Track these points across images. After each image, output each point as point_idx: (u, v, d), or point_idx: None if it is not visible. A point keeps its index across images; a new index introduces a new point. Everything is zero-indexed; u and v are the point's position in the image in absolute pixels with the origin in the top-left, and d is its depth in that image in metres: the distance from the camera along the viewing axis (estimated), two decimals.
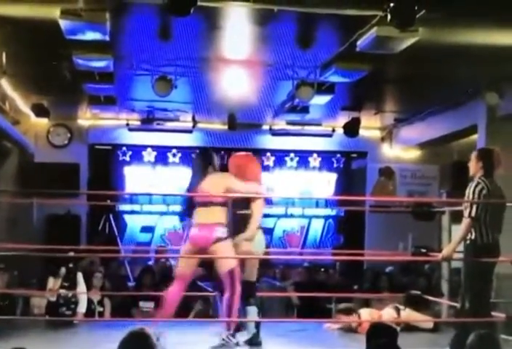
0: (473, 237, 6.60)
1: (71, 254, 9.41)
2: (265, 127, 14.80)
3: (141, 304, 10.62)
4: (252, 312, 7.42)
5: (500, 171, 6.85)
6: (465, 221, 6.62)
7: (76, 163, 14.30)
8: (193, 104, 12.97)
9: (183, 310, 10.49)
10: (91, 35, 7.69)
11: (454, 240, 6.79)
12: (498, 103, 10.54)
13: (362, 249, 13.68)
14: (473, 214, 6.56)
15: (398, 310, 8.94)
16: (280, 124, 14.57)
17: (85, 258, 11.47)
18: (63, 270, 9.81)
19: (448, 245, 7.11)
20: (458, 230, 6.76)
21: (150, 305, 10.60)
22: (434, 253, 8.38)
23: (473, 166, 6.86)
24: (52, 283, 9.90)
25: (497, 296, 8.99)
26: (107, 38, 7.84)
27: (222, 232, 7.28)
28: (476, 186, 6.64)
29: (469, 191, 6.67)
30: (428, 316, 9.13)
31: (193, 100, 12.64)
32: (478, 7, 7.11)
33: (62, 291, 9.67)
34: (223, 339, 7.19)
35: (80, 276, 9.88)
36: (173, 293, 7.40)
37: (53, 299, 9.67)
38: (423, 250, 10.38)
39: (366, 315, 8.95)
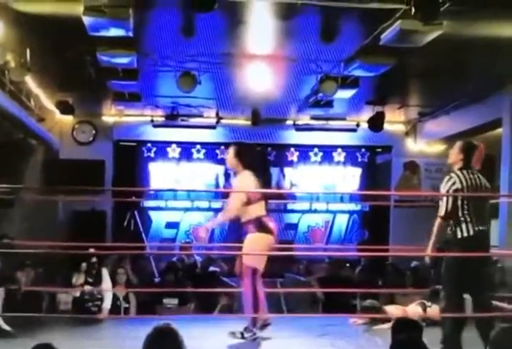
0: (451, 231, 6.58)
1: (92, 250, 9.45)
2: (289, 122, 14.77)
3: (165, 301, 10.63)
4: None
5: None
6: (437, 220, 6.61)
7: (101, 159, 14.35)
8: (216, 100, 12.97)
9: (208, 306, 10.57)
10: (114, 32, 7.71)
11: (431, 240, 6.75)
12: None
13: (387, 244, 13.65)
14: (443, 212, 6.53)
15: (424, 307, 8.89)
16: (304, 119, 14.55)
17: (111, 254, 11.50)
18: (84, 265, 9.86)
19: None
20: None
21: (174, 301, 10.62)
22: None
23: (453, 156, 6.82)
24: (75, 278, 9.95)
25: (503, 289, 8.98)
26: (130, 34, 7.86)
27: None
28: (448, 181, 6.60)
29: (442, 186, 6.64)
30: None
31: (217, 96, 12.63)
32: None
33: (87, 287, 9.71)
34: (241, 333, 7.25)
35: (105, 272, 9.92)
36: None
37: (77, 294, 9.72)
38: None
39: (392, 311, 8.91)
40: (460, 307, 6.69)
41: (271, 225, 7.43)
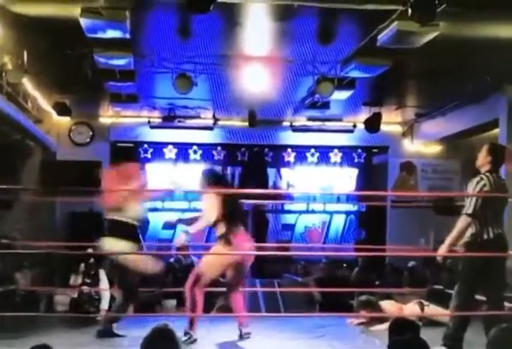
0: (473, 233, 6.60)
1: (90, 250, 9.47)
2: (286, 123, 14.79)
3: (164, 301, 10.65)
4: None
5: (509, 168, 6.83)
6: (462, 217, 6.61)
7: (98, 160, 14.33)
8: (213, 101, 12.98)
9: (205, 306, 10.57)
10: (111, 34, 7.73)
11: (451, 235, 6.74)
12: None
13: (384, 244, 13.68)
14: (471, 210, 6.53)
15: (422, 306, 8.89)
16: (300, 120, 14.56)
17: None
18: (82, 266, 9.87)
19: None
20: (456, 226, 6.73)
21: (173, 302, 10.63)
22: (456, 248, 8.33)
23: (482, 159, 6.83)
24: (73, 279, 9.97)
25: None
26: (127, 36, 7.88)
27: None
28: (478, 182, 6.60)
29: (471, 187, 6.65)
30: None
31: (214, 97, 12.64)
32: (498, 0, 7.08)
33: (85, 288, 9.73)
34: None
35: (102, 273, 9.93)
36: None
37: (74, 295, 9.74)
38: None
39: (388, 306, 8.92)
40: (474, 307, 6.74)
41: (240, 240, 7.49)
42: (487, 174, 6.67)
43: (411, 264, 12.78)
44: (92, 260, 10.03)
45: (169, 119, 13.94)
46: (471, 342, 6.58)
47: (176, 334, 4.37)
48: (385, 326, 8.20)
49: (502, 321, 5.62)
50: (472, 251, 6.59)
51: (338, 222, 15.46)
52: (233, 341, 7.39)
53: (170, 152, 15.05)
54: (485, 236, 6.56)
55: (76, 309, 9.76)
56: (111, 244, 7.57)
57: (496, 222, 6.63)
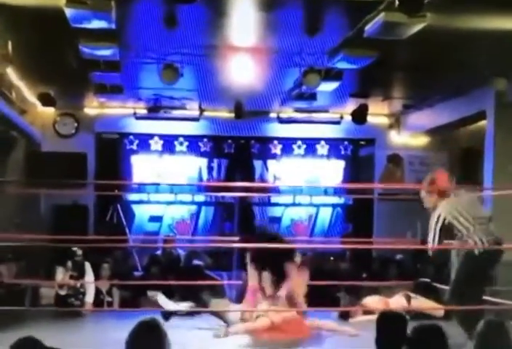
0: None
1: (75, 248, 9.46)
2: (273, 115, 14.75)
3: (149, 293, 10.59)
4: None
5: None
6: None
7: (83, 152, 14.28)
8: (199, 92, 12.90)
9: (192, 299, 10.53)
10: (96, 24, 7.63)
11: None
12: (507, 89, 10.48)
13: (371, 238, 13.66)
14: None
15: (409, 298, 8.88)
16: (287, 112, 14.52)
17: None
18: (70, 263, 9.82)
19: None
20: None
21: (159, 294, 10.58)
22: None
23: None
24: (62, 274, 9.90)
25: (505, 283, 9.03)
26: (113, 26, 7.79)
27: None
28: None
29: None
30: (438, 304, 9.06)
31: (200, 88, 12.56)
32: None
33: (70, 281, 9.67)
34: None
35: (88, 266, 9.87)
36: None
37: (63, 292, 9.70)
38: None
39: (372, 303, 8.91)
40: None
41: None
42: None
43: (398, 257, 12.78)
44: (79, 252, 9.96)
45: (155, 110, 13.85)
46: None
47: (162, 326, 4.33)
48: (368, 317, 8.25)
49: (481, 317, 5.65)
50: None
51: (325, 215, 15.42)
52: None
53: (156, 143, 14.97)
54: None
55: (60, 302, 9.70)
56: None
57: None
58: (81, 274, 9.84)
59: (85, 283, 9.79)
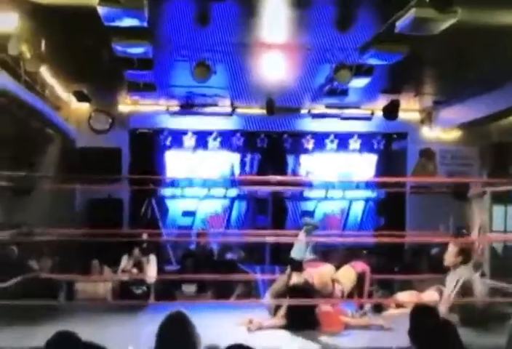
0: None
1: (145, 235, 9.63)
2: (304, 111, 14.76)
3: (184, 287, 10.71)
4: None
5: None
6: None
7: (118, 147, 14.40)
8: (231, 89, 12.96)
9: (225, 293, 10.65)
10: (129, 22, 7.71)
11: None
12: None
13: (403, 231, 13.64)
14: None
15: (441, 292, 8.88)
16: (319, 108, 14.52)
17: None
18: (137, 251, 9.96)
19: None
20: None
21: (193, 288, 10.70)
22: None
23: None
24: (126, 261, 10.07)
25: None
26: (145, 24, 7.86)
27: None
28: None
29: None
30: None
31: (232, 85, 12.61)
32: None
33: (134, 271, 9.87)
34: None
35: (153, 258, 10.08)
36: None
37: (125, 278, 9.88)
38: (464, 231, 10.35)
39: (405, 298, 8.94)
40: None
41: None
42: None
43: (434, 250, 12.75)
44: (145, 245, 10.13)
45: (187, 107, 13.96)
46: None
47: (190, 320, 4.40)
48: (398, 311, 8.31)
49: None
50: None
51: (357, 209, 15.45)
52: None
53: (189, 139, 15.06)
54: None
55: (122, 290, 9.87)
56: None
57: None
58: (142, 267, 10.06)
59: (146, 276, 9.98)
